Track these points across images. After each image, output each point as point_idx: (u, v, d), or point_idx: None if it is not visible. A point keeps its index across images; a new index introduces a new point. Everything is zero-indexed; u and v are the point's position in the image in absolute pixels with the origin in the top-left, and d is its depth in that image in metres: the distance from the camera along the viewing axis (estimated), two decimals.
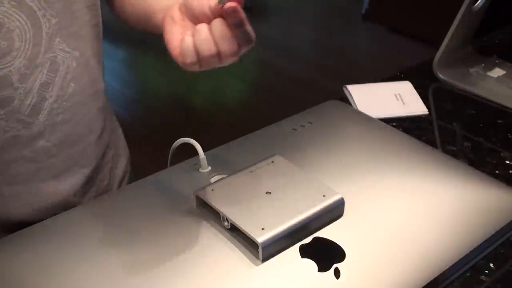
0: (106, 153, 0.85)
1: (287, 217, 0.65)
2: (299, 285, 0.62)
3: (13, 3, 0.61)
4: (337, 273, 0.62)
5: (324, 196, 0.69)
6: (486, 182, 0.80)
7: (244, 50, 0.58)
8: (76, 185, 0.78)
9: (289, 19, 3.74)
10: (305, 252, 0.65)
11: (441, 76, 1.10)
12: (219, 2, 0.57)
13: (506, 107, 1.04)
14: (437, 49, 1.09)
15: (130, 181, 0.93)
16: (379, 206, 0.73)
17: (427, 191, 0.76)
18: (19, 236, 0.66)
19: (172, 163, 0.82)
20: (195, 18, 0.59)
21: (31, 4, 0.63)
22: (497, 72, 1.14)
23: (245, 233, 0.64)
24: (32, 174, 0.72)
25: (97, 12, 0.74)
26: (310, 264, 0.63)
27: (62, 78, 0.70)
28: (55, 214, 0.69)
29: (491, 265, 0.70)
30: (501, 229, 0.72)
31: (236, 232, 0.66)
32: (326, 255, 0.65)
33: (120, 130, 0.93)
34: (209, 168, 0.78)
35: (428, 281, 0.64)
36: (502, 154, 0.91)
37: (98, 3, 0.74)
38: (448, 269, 0.66)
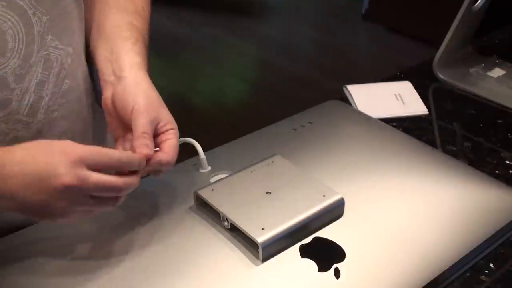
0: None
1: (287, 217, 0.65)
2: (299, 285, 0.62)
3: (3, 3, 0.61)
4: (337, 273, 0.62)
5: (324, 196, 0.69)
6: (486, 182, 0.80)
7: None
8: None
9: (289, 18, 3.74)
10: (305, 252, 0.65)
11: (441, 76, 1.10)
12: None
13: (506, 107, 1.04)
14: (437, 49, 1.09)
15: None
16: (379, 206, 0.73)
17: (427, 191, 0.76)
18: (12, 238, 0.66)
19: None
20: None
21: (21, 3, 0.62)
22: (497, 72, 1.14)
23: (245, 233, 0.64)
24: None
25: (82, 5, 0.74)
26: (310, 264, 0.63)
27: (56, 76, 0.69)
28: None
29: (491, 265, 0.70)
30: (501, 229, 0.72)
31: (236, 232, 0.66)
32: (326, 255, 0.65)
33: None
34: (209, 168, 0.78)
35: (428, 281, 0.64)
36: (502, 154, 0.91)
37: None
38: (448, 269, 0.66)
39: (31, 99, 0.67)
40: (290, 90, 2.85)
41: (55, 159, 0.55)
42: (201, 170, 0.77)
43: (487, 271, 0.69)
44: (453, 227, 0.71)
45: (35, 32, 0.65)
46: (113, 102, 0.67)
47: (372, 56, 3.29)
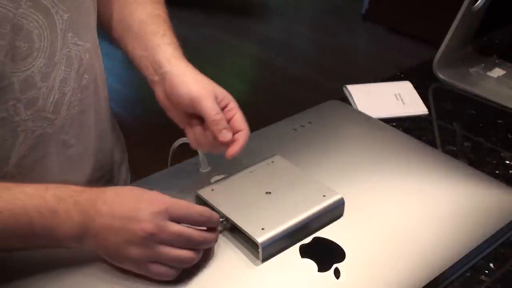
0: (114, 144, 0.87)
1: (287, 217, 0.65)
2: (299, 285, 0.62)
3: (29, 3, 0.61)
4: (337, 273, 0.62)
5: (324, 196, 0.69)
6: (486, 182, 0.79)
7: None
8: (90, 173, 0.79)
9: (289, 19, 3.74)
10: (305, 252, 0.65)
11: (441, 76, 1.10)
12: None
13: (506, 107, 1.04)
14: (437, 49, 1.09)
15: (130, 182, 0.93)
16: (379, 206, 0.73)
17: (427, 191, 0.76)
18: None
19: (172, 163, 0.82)
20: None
21: (44, 2, 0.63)
22: (497, 72, 1.14)
23: (245, 233, 0.64)
24: (56, 167, 0.73)
25: (96, 0, 0.75)
26: (310, 264, 0.63)
27: (76, 72, 0.70)
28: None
29: (491, 265, 0.70)
30: (501, 229, 0.72)
31: (236, 232, 0.66)
32: (326, 255, 0.65)
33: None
34: (209, 168, 0.78)
35: (428, 281, 0.64)
36: (502, 154, 0.91)
37: None
38: (448, 269, 0.66)
39: (55, 96, 0.68)
40: (290, 90, 2.85)
41: (141, 205, 0.59)
42: (201, 170, 0.77)
43: (487, 271, 0.69)
44: (453, 227, 0.71)
45: (58, 30, 0.66)
46: (167, 98, 0.72)
47: (372, 56, 3.29)
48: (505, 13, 1.18)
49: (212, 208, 0.67)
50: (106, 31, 0.81)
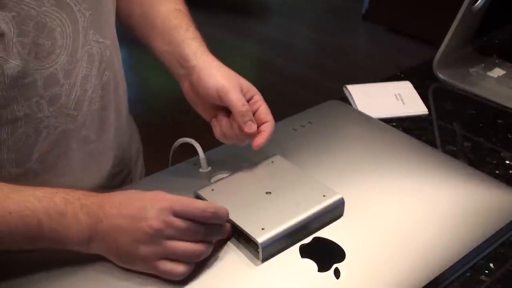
0: (131, 139, 0.88)
1: (287, 217, 0.65)
2: (299, 285, 0.62)
3: (52, 1, 0.62)
4: (337, 273, 0.62)
5: (324, 196, 0.69)
6: (486, 182, 0.79)
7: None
8: (109, 169, 0.80)
9: (289, 19, 3.74)
10: (305, 252, 0.65)
11: (441, 76, 1.10)
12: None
13: (506, 107, 1.04)
14: (437, 49, 1.09)
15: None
16: (379, 206, 0.73)
17: (427, 191, 0.76)
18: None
19: (173, 163, 0.82)
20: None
21: (67, 0, 0.64)
22: (497, 72, 1.14)
23: (245, 233, 0.64)
24: (77, 163, 0.73)
25: None
26: (310, 264, 0.63)
27: (97, 69, 0.71)
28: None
29: (491, 265, 0.70)
30: (501, 229, 0.72)
31: (236, 232, 0.66)
32: (326, 255, 0.65)
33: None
34: (209, 168, 0.78)
35: (428, 281, 0.64)
36: (502, 154, 0.91)
37: None
38: (448, 269, 0.66)
39: (77, 93, 0.69)
40: (290, 90, 2.85)
41: (146, 204, 0.60)
42: (201, 170, 0.77)
43: (487, 271, 0.69)
44: (453, 227, 0.71)
45: (80, 27, 0.66)
46: (194, 91, 0.74)
47: (372, 56, 3.29)
48: (505, 13, 1.18)
49: None
50: (127, 28, 0.82)
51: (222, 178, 0.73)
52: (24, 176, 0.67)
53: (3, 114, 0.62)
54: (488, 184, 0.79)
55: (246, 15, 3.79)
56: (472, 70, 1.14)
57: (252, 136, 0.71)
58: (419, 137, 0.91)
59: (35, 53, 0.62)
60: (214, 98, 0.71)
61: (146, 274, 0.60)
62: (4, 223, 0.56)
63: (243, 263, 0.63)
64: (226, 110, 0.72)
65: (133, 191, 0.63)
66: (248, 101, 0.72)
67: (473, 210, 0.73)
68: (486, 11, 1.08)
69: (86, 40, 0.68)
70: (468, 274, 0.68)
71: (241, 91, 0.71)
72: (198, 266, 0.62)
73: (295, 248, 0.65)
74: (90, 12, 0.67)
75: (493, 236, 0.71)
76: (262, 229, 0.64)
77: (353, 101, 1.03)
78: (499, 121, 1.00)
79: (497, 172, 0.86)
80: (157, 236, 0.58)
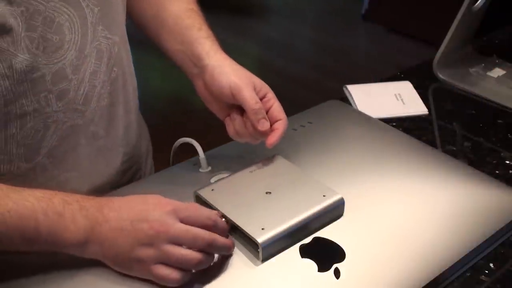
0: (141, 136, 0.88)
1: (287, 217, 0.65)
2: (299, 285, 0.62)
3: None
4: (337, 273, 0.62)
5: (324, 196, 0.69)
6: (486, 182, 0.79)
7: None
8: (118, 165, 0.80)
9: (289, 19, 3.74)
10: (305, 252, 0.65)
11: (441, 76, 1.10)
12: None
13: (506, 107, 1.04)
14: (437, 49, 1.09)
15: None
16: (379, 206, 0.73)
17: (427, 191, 0.76)
18: None
19: (173, 163, 0.82)
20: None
21: None
22: (497, 72, 1.14)
23: (245, 233, 0.64)
24: (86, 158, 0.74)
25: None
26: (310, 264, 0.63)
27: (106, 65, 0.72)
28: (101, 194, 0.71)
29: (491, 265, 0.70)
30: (501, 229, 0.72)
31: (236, 232, 0.66)
32: (326, 255, 0.65)
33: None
34: (209, 168, 0.78)
35: (428, 281, 0.64)
36: (502, 154, 0.91)
37: None
38: (448, 269, 0.66)
39: (86, 89, 0.69)
40: (290, 91, 2.85)
41: (149, 207, 0.60)
42: (201, 170, 0.77)
43: (487, 271, 0.69)
44: (453, 227, 0.71)
45: (89, 23, 0.67)
46: (207, 90, 0.74)
47: (372, 56, 3.29)
48: (505, 13, 1.18)
49: (212, 208, 0.67)
50: (140, 28, 0.83)
51: (222, 178, 0.73)
52: (33, 170, 0.68)
53: (12, 108, 0.62)
54: (488, 184, 0.79)
55: (247, 15, 3.79)
56: (472, 70, 1.14)
57: (265, 134, 0.71)
58: (419, 137, 0.91)
59: (43, 48, 0.62)
60: (228, 97, 0.72)
61: (143, 280, 0.60)
62: (2, 222, 0.56)
63: (243, 263, 0.63)
64: (240, 109, 0.73)
65: (132, 196, 0.62)
66: (261, 99, 0.72)
67: (473, 210, 0.73)
68: (486, 11, 1.08)
69: (95, 36, 0.68)
70: (468, 274, 0.68)
71: (254, 89, 0.72)
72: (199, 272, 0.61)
73: (295, 248, 0.65)
74: (99, 8, 0.67)
75: (493, 236, 0.71)
76: (262, 229, 0.64)
77: (353, 101, 1.03)
78: (499, 121, 1.00)
79: (497, 172, 0.86)
80: (157, 238, 0.58)
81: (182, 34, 0.77)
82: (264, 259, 0.63)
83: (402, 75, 1.13)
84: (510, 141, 0.95)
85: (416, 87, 1.08)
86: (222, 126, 0.76)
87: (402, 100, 1.04)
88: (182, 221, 0.59)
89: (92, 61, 0.69)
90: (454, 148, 0.93)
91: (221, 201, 0.68)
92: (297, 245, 0.65)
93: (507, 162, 0.89)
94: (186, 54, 0.76)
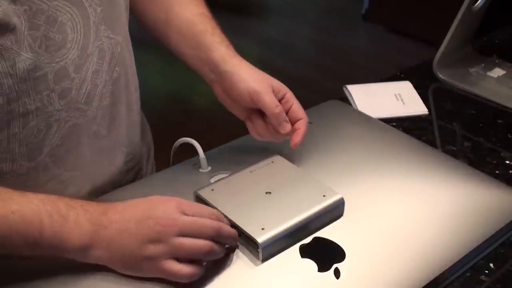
0: (143, 136, 0.88)
1: (287, 217, 0.65)
2: (299, 285, 0.62)
3: None
4: (337, 273, 0.62)
5: (324, 196, 0.69)
6: (486, 182, 0.80)
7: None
8: (120, 165, 0.80)
9: (289, 19, 3.74)
10: (305, 252, 0.65)
11: (441, 76, 1.10)
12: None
13: (506, 107, 1.04)
14: (437, 49, 1.09)
15: None
16: (379, 206, 0.73)
17: (427, 191, 0.76)
18: None
19: (173, 163, 0.82)
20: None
21: None
22: (497, 72, 1.14)
23: (245, 233, 0.64)
24: (88, 158, 0.74)
25: None
26: (310, 264, 0.63)
27: (108, 64, 0.72)
28: (103, 194, 0.74)
29: (491, 265, 0.70)
30: (501, 229, 0.72)
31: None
32: (326, 255, 0.65)
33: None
34: (209, 168, 0.78)
35: (428, 281, 0.64)
36: (502, 154, 0.91)
37: None
38: (448, 269, 0.66)
39: (88, 88, 0.69)
40: None
41: (153, 206, 0.61)
42: (201, 170, 0.77)
43: (487, 271, 0.69)
44: (453, 227, 0.71)
45: (91, 23, 0.67)
46: (227, 95, 0.75)
47: (372, 56, 3.28)
48: (505, 13, 1.18)
49: (212, 208, 0.67)
50: (152, 33, 0.83)
51: (222, 178, 0.73)
52: (35, 169, 0.68)
53: (15, 107, 0.62)
54: (488, 184, 0.79)
55: (247, 15, 3.79)
56: (472, 70, 1.14)
57: (288, 134, 0.73)
58: (419, 137, 0.91)
59: (46, 47, 0.62)
60: (247, 102, 0.73)
61: (144, 279, 0.60)
62: (5, 223, 0.56)
63: (243, 263, 0.63)
64: (260, 111, 0.74)
65: (135, 199, 0.62)
66: (280, 100, 0.73)
67: (473, 210, 0.73)
68: (486, 11, 1.08)
69: (97, 36, 0.68)
70: (468, 274, 0.68)
71: (273, 91, 0.73)
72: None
73: (295, 248, 0.65)
74: (102, 7, 0.68)
75: (493, 236, 0.71)
76: (262, 229, 0.64)
77: (353, 101, 1.03)
78: (499, 121, 1.00)
79: (497, 172, 0.86)
80: (165, 232, 0.58)
81: (195, 40, 0.77)
82: (264, 259, 0.63)
83: (402, 75, 1.13)
84: (510, 141, 0.95)
85: (416, 87, 1.08)
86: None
87: (402, 100, 1.04)
88: (186, 214, 0.60)
89: (95, 60, 0.69)
90: (454, 148, 0.93)
91: (221, 201, 0.68)
92: (297, 245, 0.65)
93: (507, 162, 0.89)
94: (201, 60, 0.76)
